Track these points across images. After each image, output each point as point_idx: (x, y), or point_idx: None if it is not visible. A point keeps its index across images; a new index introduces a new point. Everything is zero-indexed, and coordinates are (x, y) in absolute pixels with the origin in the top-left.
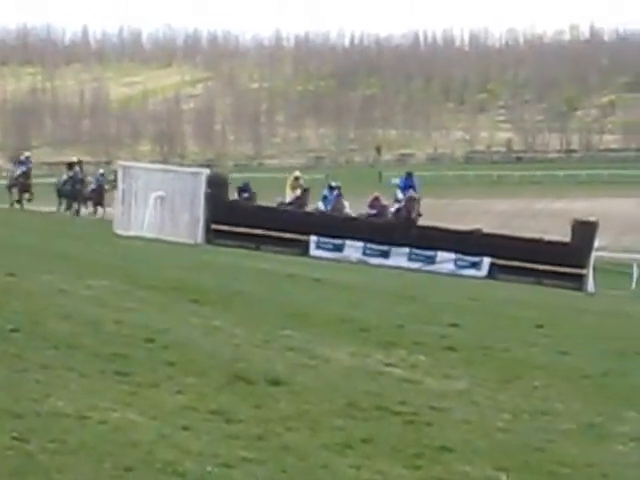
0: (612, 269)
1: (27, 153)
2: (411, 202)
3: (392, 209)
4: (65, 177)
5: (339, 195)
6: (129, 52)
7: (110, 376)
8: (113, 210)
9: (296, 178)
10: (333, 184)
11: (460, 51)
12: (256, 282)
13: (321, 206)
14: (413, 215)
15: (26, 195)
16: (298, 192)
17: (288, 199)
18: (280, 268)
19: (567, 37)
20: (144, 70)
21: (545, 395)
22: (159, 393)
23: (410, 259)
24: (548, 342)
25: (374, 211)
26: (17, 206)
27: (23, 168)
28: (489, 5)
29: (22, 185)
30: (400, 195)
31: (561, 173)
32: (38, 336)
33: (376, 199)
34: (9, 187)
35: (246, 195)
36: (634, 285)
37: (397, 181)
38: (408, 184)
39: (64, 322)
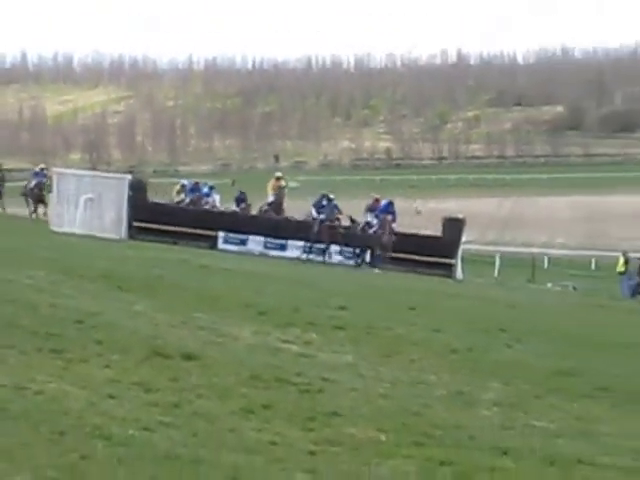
0: (478, 260)
1: (42, 165)
2: (385, 224)
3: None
4: None
5: (334, 205)
6: (62, 74)
7: (46, 353)
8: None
9: (277, 178)
10: (330, 196)
11: (347, 73)
12: (173, 272)
13: (315, 214)
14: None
15: (41, 206)
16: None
17: (269, 199)
18: (193, 260)
19: (438, 60)
20: (75, 90)
21: (420, 367)
22: (88, 367)
23: (304, 251)
24: (423, 322)
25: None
26: (33, 216)
27: (39, 179)
28: (371, 33)
29: (36, 196)
30: (372, 219)
31: (433, 177)
32: None
33: (377, 200)
34: (24, 196)
35: (243, 205)
36: (496, 273)
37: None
38: (386, 209)
39: (7, 306)
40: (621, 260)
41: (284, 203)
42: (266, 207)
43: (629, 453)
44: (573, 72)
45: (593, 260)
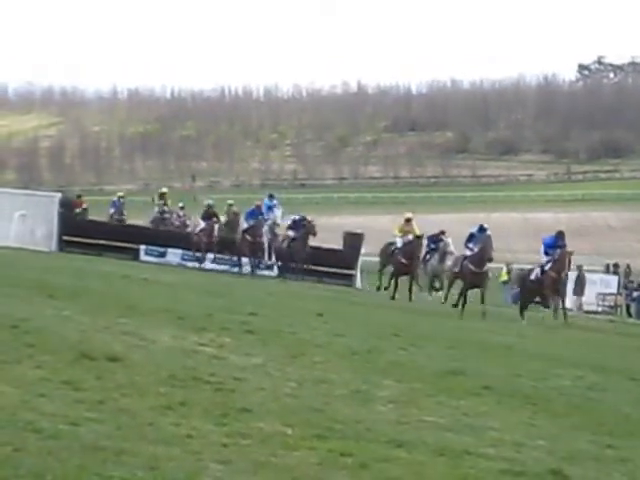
0: (375, 270)
1: (120, 193)
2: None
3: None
4: None
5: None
6: None
7: None
8: None
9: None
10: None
11: (257, 101)
12: (98, 281)
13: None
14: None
15: None
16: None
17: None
18: (117, 270)
19: (339, 90)
20: (10, 116)
21: (324, 368)
22: (21, 368)
23: (217, 263)
24: (326, 327)
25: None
26: None
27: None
28: (279, 65)
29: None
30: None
31: (335, 196)
32: None
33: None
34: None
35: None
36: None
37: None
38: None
39: None
40: (504, 271)
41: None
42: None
43: (512, 445)
44: (462, 101)
45: None
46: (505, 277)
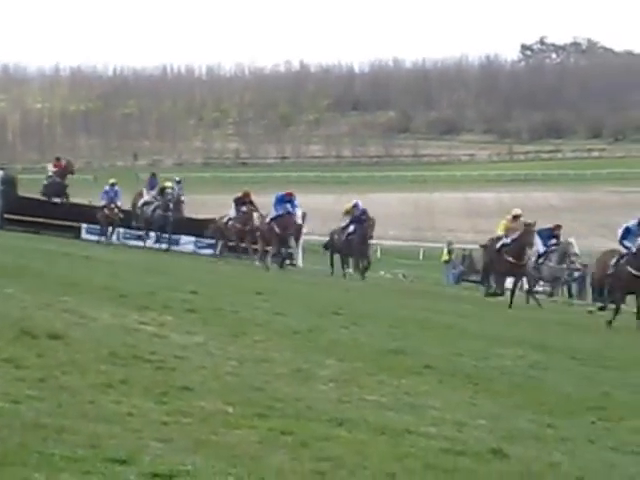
0: (316, 249)
1: (112, 180)
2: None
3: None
4: None
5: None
6: None
7: None
8: None
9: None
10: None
11: (199, 79)
12: (40, 259)
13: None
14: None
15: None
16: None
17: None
18: (58, 248)
19: (282, 69)
20: None
21: (264, 347)
22: None
23: (159, 241)
24: (267, 305)
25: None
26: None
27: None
28: (221, 43)
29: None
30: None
31: (278, 174)
32: None
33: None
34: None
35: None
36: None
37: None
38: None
39: None
40: (445, 250)
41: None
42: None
43: (453, 424)
44: (404, 80)
45: (421, 250)
46: (446, 257)
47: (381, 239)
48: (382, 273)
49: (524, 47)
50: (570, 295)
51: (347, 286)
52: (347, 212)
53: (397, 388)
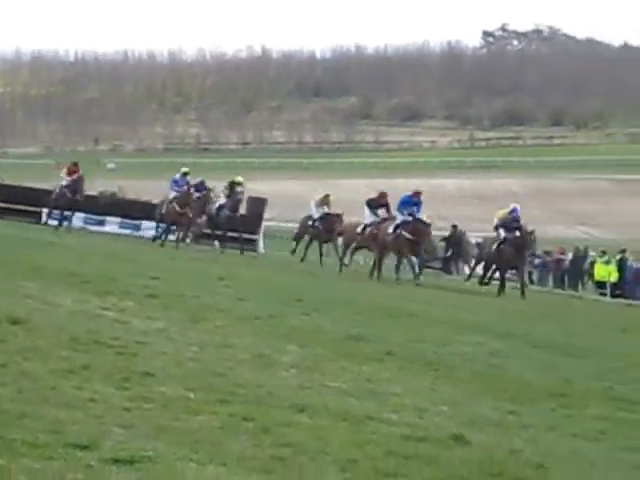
0: (278, 235)
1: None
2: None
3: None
4: None
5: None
6: None
7: None
8: None
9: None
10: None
11: (160, 64)
12: (2, 244)
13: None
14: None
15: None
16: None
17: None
18: (20, 233)
19: (244, 54)
20: None
21: (225, 332)
22: None
23: (121, 227)
24: (229, 291)
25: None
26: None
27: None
28: (183, 28)
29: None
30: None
31: (239, 160)
32: None
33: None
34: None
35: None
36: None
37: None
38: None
39: None
40: None
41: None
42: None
43: (413, 411)
44: (365, 66)
45: None
46: None
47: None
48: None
49: (486, 34)
50: (531, 282)
51: (309, 272)
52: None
53: (358, 375)
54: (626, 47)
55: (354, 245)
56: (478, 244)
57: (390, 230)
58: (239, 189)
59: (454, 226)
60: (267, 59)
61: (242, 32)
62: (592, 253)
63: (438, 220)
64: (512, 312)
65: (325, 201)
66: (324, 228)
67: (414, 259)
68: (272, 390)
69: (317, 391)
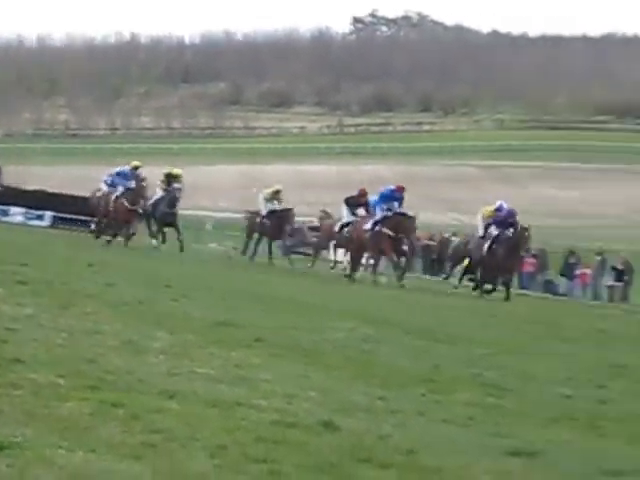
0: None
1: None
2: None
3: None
4: None
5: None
6: None
7: None
8: None
9: None
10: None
11: (29, 50)
12: None
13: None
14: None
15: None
16: None
17: None
18: None
19: (113, 40)
20: None
21: (95, 319)
22: None
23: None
24: (98, 277)
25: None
26: None
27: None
28: (52, 14)
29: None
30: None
31: (107, 146)
32: None
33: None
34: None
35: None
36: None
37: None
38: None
39: None
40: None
41: None
42: None
43: (283, 397)
44: (235, 52)
45: None
46: None
47: (213, 211)
48: (213, 245)
49: (356, 20)
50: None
51: (179, 258)
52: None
53: (228, 361)
54: (494, 34)
55: (334, 243)
56: (461, 243)
57: (368, 226)
58: (176, 185)
59: (324, 212)
60: (135, 45)
61: (111, 17)
62: (454, 238)
63: (306, 206)
64: (381, 299)
65: (275, 196)
66: (273, 225)
67: (397, 258)
68: (142, 376)
69: (187, 377)
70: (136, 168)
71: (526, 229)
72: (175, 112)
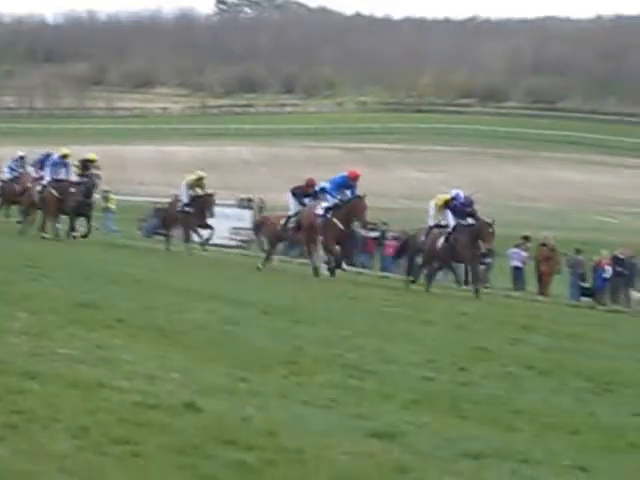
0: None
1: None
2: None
3: None
4: None
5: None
6: None
7: None
8: None
9: None
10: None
11: None
12: None
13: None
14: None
15: None
16: None
17: None
18: None
19: None
20: None
21: None
22: None
23: None
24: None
25: None
26: None
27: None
28: None
29: None
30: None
31: None
32: None
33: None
34: None
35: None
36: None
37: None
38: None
39: None
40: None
41: None
42: None
43: (144, 378)
44: (98, 32)
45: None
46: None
47: None
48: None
49: (219, 1)
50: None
51: (39, 238)
52: None
53: (88, 341)
54: (357, 16)
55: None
56: (413, 235)
57: (320, 212)
58: (94, 171)
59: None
60: None
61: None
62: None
63: (168, 187)
64: (240, 279)
65: (199, 184)
66: (195, 212)
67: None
68: (3, 357)
69: (48, 358)
70: (65, 157)
71: (490, 224)
72: (39, 92)
